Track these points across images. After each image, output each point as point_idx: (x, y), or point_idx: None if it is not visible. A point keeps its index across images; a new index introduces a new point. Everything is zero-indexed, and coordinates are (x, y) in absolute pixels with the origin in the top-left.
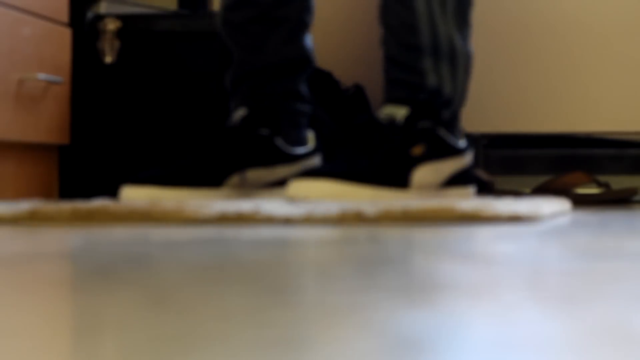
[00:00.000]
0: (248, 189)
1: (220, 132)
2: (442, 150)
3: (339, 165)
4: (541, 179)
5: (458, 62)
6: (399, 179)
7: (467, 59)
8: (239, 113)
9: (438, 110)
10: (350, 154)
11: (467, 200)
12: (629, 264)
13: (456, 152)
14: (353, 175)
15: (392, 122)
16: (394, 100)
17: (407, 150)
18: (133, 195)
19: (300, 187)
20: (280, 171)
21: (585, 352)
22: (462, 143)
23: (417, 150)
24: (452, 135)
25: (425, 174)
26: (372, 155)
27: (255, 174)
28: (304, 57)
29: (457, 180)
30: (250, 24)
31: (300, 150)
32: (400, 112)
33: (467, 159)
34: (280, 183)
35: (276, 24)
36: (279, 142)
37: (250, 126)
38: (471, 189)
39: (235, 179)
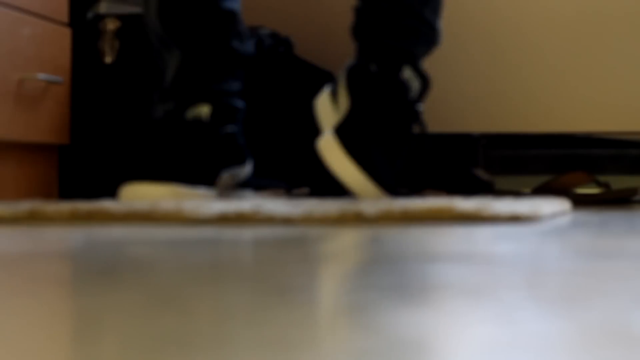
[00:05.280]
0: (225, 192)
1: (192, 128)
2: None
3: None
4: (541, 179)
5: None
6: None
7: None
8: (204, 110)
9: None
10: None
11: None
12: (629, 264)
13: None
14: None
15: None
16: None
17: None
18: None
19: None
20: (244, 172)
21: (585, 352)
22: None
23: None
24: None
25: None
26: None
27: (229, 176)
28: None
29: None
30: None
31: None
32: None
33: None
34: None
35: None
36: (241, 140)
37: (219, 124)
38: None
39: (225, 178)
